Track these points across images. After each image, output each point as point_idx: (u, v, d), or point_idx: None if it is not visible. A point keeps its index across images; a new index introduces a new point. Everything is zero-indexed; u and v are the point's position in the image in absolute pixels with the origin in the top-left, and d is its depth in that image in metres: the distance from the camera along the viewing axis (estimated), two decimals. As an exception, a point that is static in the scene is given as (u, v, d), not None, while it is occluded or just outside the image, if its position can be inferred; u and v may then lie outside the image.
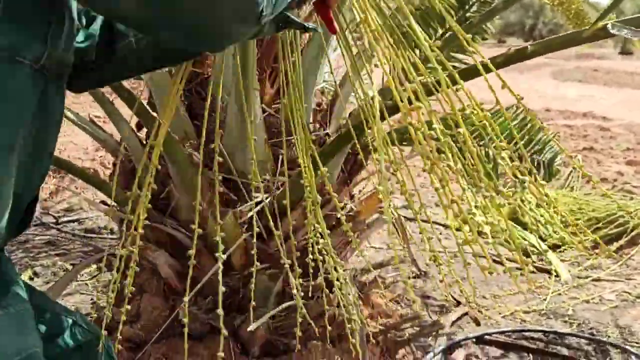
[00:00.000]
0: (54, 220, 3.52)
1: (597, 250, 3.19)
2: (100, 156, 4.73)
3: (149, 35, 0.84)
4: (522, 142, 1.99)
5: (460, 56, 2.00)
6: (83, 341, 0.95)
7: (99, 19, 0.94)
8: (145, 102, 1.80)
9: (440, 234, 3.46)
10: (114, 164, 2.06)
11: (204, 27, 0.70)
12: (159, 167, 1.68)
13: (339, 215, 1.96)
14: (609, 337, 2.31)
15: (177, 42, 0.80)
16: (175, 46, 0.92)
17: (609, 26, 1.03)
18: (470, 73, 0.99)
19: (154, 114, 1.62)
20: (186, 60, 1.05)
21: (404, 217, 3.54)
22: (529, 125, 2.46)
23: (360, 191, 2.14)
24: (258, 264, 1.25)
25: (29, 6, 0.71)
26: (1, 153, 0.69)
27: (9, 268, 0.79)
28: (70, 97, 1.15)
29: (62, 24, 0.75)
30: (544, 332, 2.32)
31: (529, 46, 1.13)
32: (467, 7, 1.83)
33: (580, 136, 6.21)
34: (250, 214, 1.66)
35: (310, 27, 0.97)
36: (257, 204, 1.68)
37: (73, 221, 3.57)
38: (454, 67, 2.02)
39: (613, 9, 1.12)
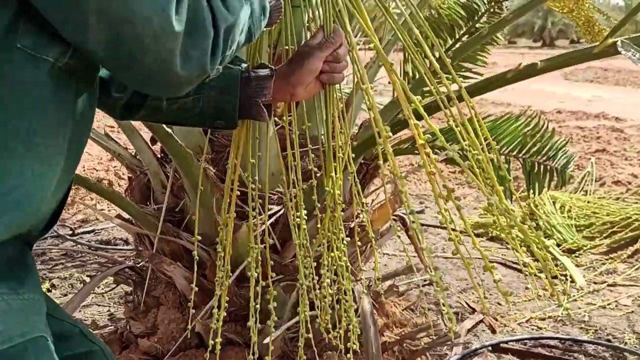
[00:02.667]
0: (70, 232, 3.56)
1: (612, 255, 3.17)
2: (115, 166, 4.77)
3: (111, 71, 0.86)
4: (535, 148, 1.97)
5: (469, 65, 2.01)
6: (88, 350, 0.98)
7: None
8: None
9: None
10: (129, 177, 2.08)
11: (160, 76, 0.75)
12: (174, 181, 1.69)
13: (352, 225, 1.98)
14: (625, 343, 2.29)
15: (132, 85, 0.91)
16: (133, 87, 0.98)
17: (619, 44, 1.03)
18: (479, 88, 1.00)
19: (168, 129, 1.64)
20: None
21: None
22: (542, 130, 2.44)
23: (373, 200, 2.14)
24: (273, 274, 1.27)
25: None
26: (27, 138, 0.73)
27: (32, 263, 0.84)
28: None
29: None
30: (560, 339, 2.31)
31: (539, 62, 1.14)
32: (476, 17, 1.84)
33: (592, 138, 6.15)
34: (263, 226, 1.68)
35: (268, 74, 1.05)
36: (270, 216, 1.69)
37: (89, 232, 3.61)
38: (464, 76, 2.03)
39: (623, 25, 1.12)
